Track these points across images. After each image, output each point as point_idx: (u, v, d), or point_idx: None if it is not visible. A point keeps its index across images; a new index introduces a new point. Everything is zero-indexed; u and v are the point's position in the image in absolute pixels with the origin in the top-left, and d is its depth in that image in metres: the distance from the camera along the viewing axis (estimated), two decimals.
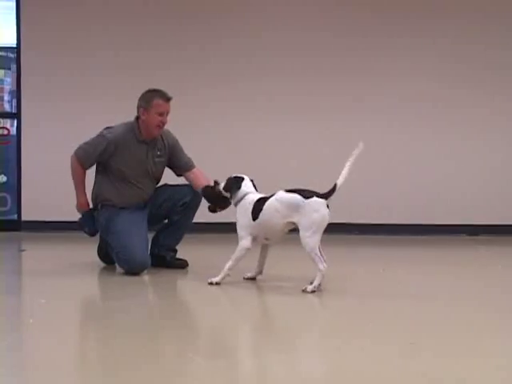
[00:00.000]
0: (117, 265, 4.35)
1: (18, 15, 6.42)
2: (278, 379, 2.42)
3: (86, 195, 4.44)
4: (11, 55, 6.76)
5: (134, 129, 4.35)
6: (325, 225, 3.70)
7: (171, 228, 4.47)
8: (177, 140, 4.53)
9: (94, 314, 3.47)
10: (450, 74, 6.50)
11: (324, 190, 3.80)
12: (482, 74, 6.52)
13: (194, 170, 4.49)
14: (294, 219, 3.71)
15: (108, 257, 4.48)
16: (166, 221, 4.52)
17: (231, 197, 3.96)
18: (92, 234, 4.51)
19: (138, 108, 4.34)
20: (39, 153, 6.44)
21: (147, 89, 4.37)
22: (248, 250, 3.83)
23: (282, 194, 3.77)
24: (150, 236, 4.46)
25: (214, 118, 6.40)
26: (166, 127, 4.41)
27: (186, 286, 4.20)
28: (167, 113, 4.32)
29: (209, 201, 4.17)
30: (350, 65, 6.48)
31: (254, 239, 3.84)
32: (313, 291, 3.67)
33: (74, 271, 4.40)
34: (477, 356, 2.70)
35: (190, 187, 4.44)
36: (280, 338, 2.95)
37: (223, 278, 3.84)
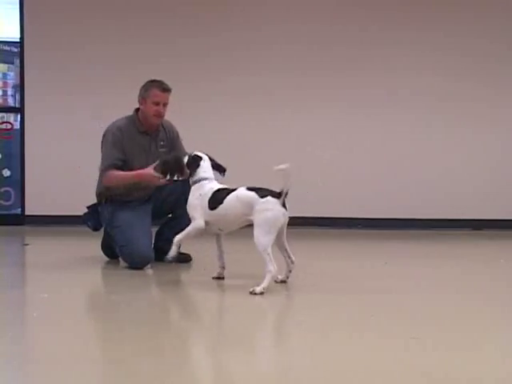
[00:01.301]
0: (120, 259, 4.36)
1: (21, 10, 6.41)
2: (279, 372, 2.42)
3: (138, 169, 4.25)
4: (14, 49, 6.76)
5: (135, 120, 4.37)
6: (279, 224, 3.60)
7: (175, 222, 4.46)
8: (178, 133, 4.56)
9: (97, 308, 3.47)
10: (457, 69, 6.50)
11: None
12: (489, 68, 6.51)
13: None
14: (251, 217, 3.65)
15: (111, 251, 4.48)
16: (170, 215, 4.52)
17: (191, 174, 3.90)
18: (95, 229, 4.52)
19: (138, 99, 4.36)
20: (42, 147, 6.45)
21: (149, 79, 4.39)
22: (201, 230, 3.79)
23: (242, 191, 3.72)
24: (154, 230, 4.46)
25: (214, 111, 6.38)
26: (166, 119, 4.42)
27: (189, 279, 4.20)
28: (164, 103, 4.31)
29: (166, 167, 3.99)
30: (353, 58, 6.47)
31: (207, 224, 3.80)
32: (261, 292, 3.52)
33: (77, 265, 4.41)
34: (480, 350, 2.70)
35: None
36: (281, 330, 2.96)
37: (176, 252, 3.82)
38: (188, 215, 4.44)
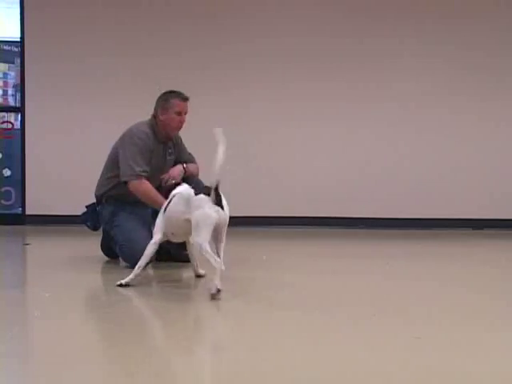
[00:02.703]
0: (121, 258, 4.35)
1: (21, 9, 6.41)
2: (280, 372, 2.41)
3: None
4: (15, 49, 6.76)
5: (155, 129, 4.33)
6: (210, 222, 3.43)
7: None
8: (181, 138, 4.56)
9: (98, 307, 3.46)
10: (452, 73, 6.53)
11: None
12: (488, 68, 6.53)
13: (193, 164, 4.53)
14: (188, 216, 3.52)
15: (111, 250, 4.48)
16: None
17: None
18: (95, 228, 4.52)
19: (156, 110, 4.33)
20: (43, 147, 6.45)
21: (165, 90, 4.35)
22: (156, 244, 3.72)
23: (183, 189, 3.66)
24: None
25: (226, 122, 6.36)
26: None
27: (189, 278, 4.20)
28: (185, 112, 4.32)
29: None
30: (352, 66, 6.50)
31: (165, 234, 3.74)
32: (218, 290, 3.38)
33: (78, 265, 4.40)
34: (483, 350, 2.69)
35: (193, 180, 4.45)
36: (288, 329, 2.95)
37: (133, 279, 3.68)
38: None
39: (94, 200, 4.51)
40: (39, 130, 6.47)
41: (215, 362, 2.51)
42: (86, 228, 4.57)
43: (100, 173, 4.49)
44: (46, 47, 6.45)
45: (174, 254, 4.45)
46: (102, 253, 4.59)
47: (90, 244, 4.73)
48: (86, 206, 4.54)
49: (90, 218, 4.48)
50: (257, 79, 6.46)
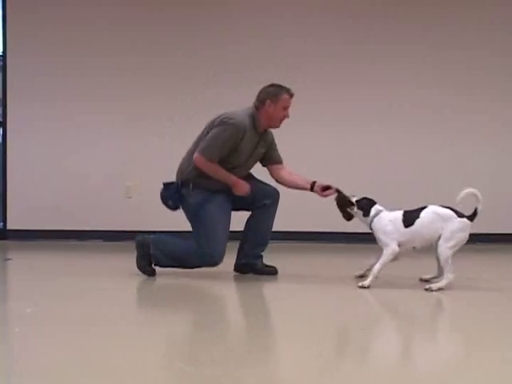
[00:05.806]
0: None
1: (4, 22, 6.41)
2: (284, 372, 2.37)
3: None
4: None
5: (255, 119, 4.31)
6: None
7: (254, 236, 4.46)
8: (273, 135, 4.54)
9: (79, 323, 3.40)
10: (456, 81, 6.56)
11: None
12: (488, 81, 6.58)
13: (285, 166, 4.55)
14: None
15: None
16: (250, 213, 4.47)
17: (364, 215, 4.21)
18: (175, 208, 4.39)
19: (264, 100, 4.29)
20: (25, 161, 6.41)
21: (271, 83, 4.37)
22: (395, 253, 4.07)
23: (435, 208, 4.12)
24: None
25: None
26: None
27: (187, 282, 4.16)
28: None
29: (341, 209, 4.26)
30: (359, 72, 6.53)
31: (400, 245, 4.08)
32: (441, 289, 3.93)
33: (60, 280, 4.35)
34: (480, 350, 2.69)
35: (272, 189, 4.46)
36: (285, 344, 2.92)
37: (372, 281, 4.00)
38: (269, 223, 4.45)
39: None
40: (21, 144, 6.44)
41: (221, 369, 2.47)
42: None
43: (181, 158, 4.41)
44: (29, 61, 6.44)
45: (259, 268, 4.50)
46: (85, 267, 4.51)
47: (72, 258, 4.68)
48: (165, 184, 4.38)
49: (172, 197, 4.36)
50: (260, 79, 6.47)
